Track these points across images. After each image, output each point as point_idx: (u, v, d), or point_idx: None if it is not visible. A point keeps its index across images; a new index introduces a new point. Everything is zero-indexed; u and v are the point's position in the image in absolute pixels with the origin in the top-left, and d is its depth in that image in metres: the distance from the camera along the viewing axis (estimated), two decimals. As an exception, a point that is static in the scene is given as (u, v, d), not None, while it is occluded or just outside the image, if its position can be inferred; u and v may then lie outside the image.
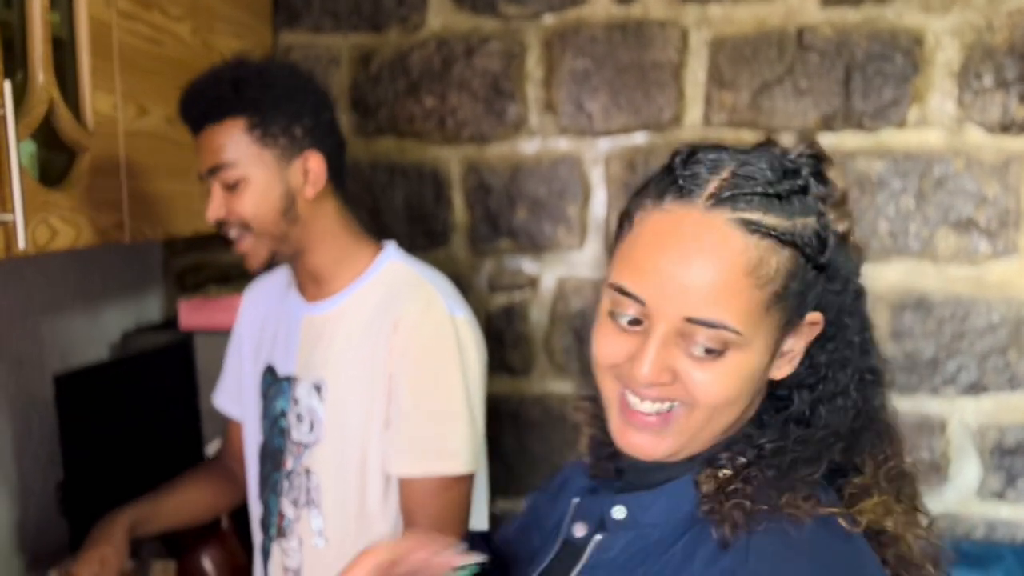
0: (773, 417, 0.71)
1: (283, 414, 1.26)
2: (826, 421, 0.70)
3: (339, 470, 1.22)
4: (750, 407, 0.71)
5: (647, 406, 0.69)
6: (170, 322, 1.93)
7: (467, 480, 1.20)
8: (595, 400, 0.78)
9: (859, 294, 0.73)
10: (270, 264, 1.23)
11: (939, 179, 1.82)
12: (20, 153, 1.02)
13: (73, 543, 1.38)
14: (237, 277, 1.90)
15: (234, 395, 1.41)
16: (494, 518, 1.43)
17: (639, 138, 1.90)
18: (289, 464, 1.26)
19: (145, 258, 2.02)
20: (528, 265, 1.97)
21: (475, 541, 0.85)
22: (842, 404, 0.71)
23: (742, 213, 0.65)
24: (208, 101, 1.16)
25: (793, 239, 0.66)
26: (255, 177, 1.16)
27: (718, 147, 0.69)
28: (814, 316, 0.69)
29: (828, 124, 1.84)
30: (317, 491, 1.23)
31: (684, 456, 0.71)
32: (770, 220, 0.65)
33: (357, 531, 1.22)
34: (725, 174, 0.66)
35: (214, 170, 1.17)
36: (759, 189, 0.65)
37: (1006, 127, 1.79)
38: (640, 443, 0.70)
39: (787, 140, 1.85)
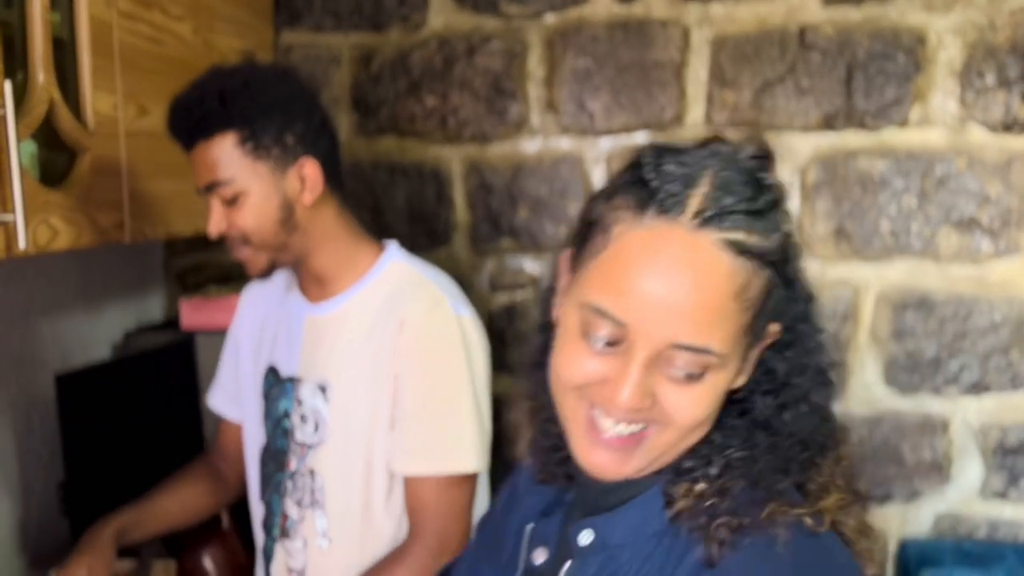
0: (734, 420, 0.70)
1: (286, 415, 1.26)
2: (791, 428, 0.70)
3: (343, 471, 1.22)
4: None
5: (620, 428, 0.66)
6: (171, 322, 1.93)
7: (473, 479, 1.20)
8: (538, 401, 0.76)
9: (810, 298, 0.73)
10: (270, 271, 1.23)
11: (941, 178, 1.82)
12: (21, 153, 1.02)
13: (74, 543, 1.38)
14: (238, 277, 1.90)
15: (231, 396, 1.41)
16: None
17: (641, 137, 1.89)
18: (293, 465, 1.25)
19: (146, 258, 2.02)
20: (529, 264, 1.97)
21: None
22: (805, 410, 0.71)
23: (729, 234, 0.63)
24: (196, 118, 1.15)
25: (773, 259, 0.65)
26: (252, 190, 1.16)
27: (678, 149, 0.67)
28: (775, 327, 0.69)
29: (830, 123, 1.84)
30: (321, 492, 1.23)
31: (648, 472, 0.70)
32: (755, 241, 0.63)
33: (361, 532, 1.22)
34: (704, 188, 0.63)
35: (211, 187, 1.17)
36: (742, 207, 0.63)
37: (1008, 126, 1.79)
38: (606, 463, 0.68)
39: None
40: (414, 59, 1.95)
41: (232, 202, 1.16)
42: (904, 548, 1.87)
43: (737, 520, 0.66)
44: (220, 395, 1.43)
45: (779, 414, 0.70)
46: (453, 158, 1.96)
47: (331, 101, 1.97)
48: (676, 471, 0.70)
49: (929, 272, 1.84)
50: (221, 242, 1.22)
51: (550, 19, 1.90)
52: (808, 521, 0.67)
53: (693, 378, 0.65)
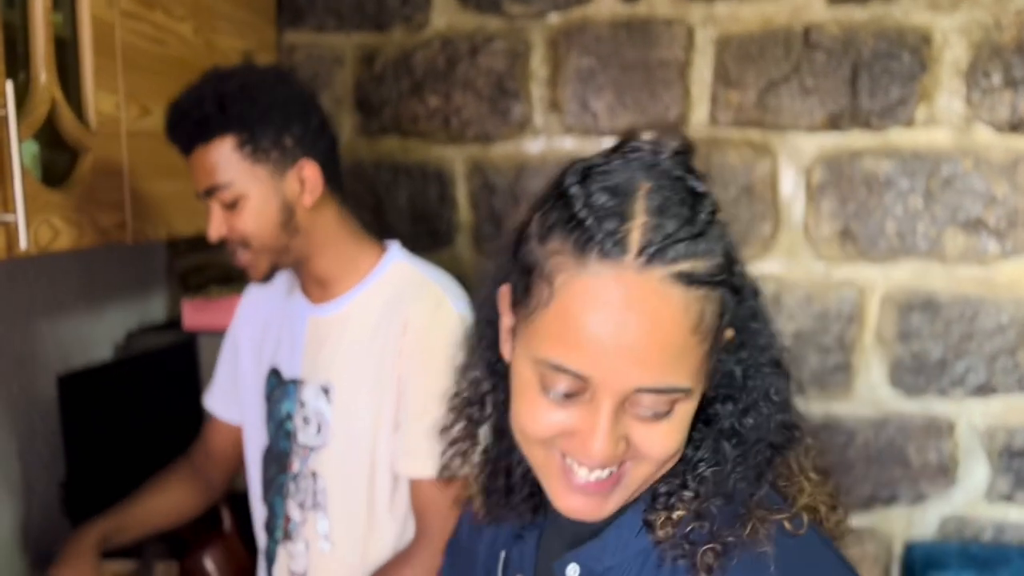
0: (701, 431, 0.69)
1: (289, 417, 1.26)
2: (757, 433, 0.70)
3: (346, 473, 1.21)
4: None
5: (596, 473, 0.65)
6: (174, 322, 1.93)
7: None
8: (473, 442, 0.76)
9: (756, 294, 0.71)
10: (271, 274, 1.22)
11: (947, 179, 1.81)
12: (22, 153, 1.01)
13: (76, 544, 1.38)
14: (240, 278, 1.89)
15: (229, 398, 1.40)
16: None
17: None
18: (295, 467, 1.25)
19: (148, 258, 2.02)
20: (533, 265, 1.96)
21: None
22: (766, 411, 0.70)
23: (676, 266, 0.60)
24: (194, 122, 1.14)
25: (722, 276, 0.63)
26: (252, 194, 1.15)
27: (602, 169, 0.64)
28: (729, 333, 0.68)
29: (835, 123, 1.83)
30: (324, 494, 1.22)
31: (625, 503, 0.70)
32: (702, 266, 0.61)
33: (364, 534, 1.22)
34: (641, 218, 0.61)
35: (210, 191, 1.16)
36: (684, 234, 0.61)
37: (1015, 126, 1.78)
38: (584, 508, 0.67)
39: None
40: (417, 59, 1.94)
41: (232, 206, 1.16)
42: (909, 551, 1.86)
43: (721, 543, 0.65)
44: (217, 396, 1.43)
45: (742, 419, 0.70)
46: (456, 158, 1.96)
47: (334, 101, 1.97)
48: (653, 495, 0.69)
49: (935, 273, 1.83)
50: (222, 245, 1.22)
51: (553, 19, 1.89)
52: (788, 526, 0.67)
53: (661, 415, 0.63)
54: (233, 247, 1.20)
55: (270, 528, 1.30)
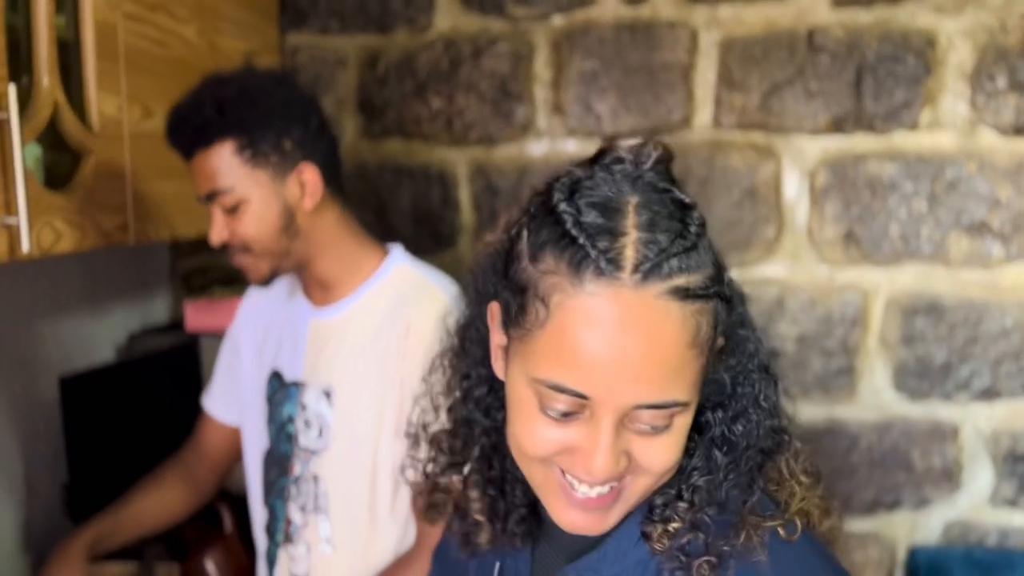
0: (693, 439, 0.69)
1: (290, 420, 1.26)
2: (747, 440, 0.70)
3: (348, 476, 1.21)
4: None
5: (597, 489, 0.65)
6: (176, 324, 1.93)
7: None
8: (459, 467, 0.76)
9: (743, 300, 0.72)
10: (272, 278, 1.22)
11: (951, 182, 1.81)
12: (25, 156, 1.01)
13: (78, 546, 1.37)
14: (243, 279, 1.89)
15: (229, 400, 1.40)
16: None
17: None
18: (297, 470, 1.25)
19: (151, 260, 2.02)
20: (535, 268, 1.96)
21: None
22: (756, 417, 0.70)
23: (671, 281, 0.60)
24: (194, 127, 1.15)
25: (715, 289, 0.63)
26: (252, 198, 1.16)
27: (587, 185, 0.63)
28: (720, 341, 0.68)
29: (839, 126, 1.82)
30: (325, 497, 1.22)
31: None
32: (696, 279, 0.61)
33: (365, 537, 1.21)
34: (634, 234, 0.60)
35: (211, 196, 1.17)
36: (676, 248, 0.61)
37: (1019, 129, 1.77)
38: (585, 523, 0.67)
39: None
40: (420, 61, 1.94)
41: (233, 211, 1.16)
42: (913, 556, 1.85)
43: (716, 554, 0.66)
44: (216, 397, 1.43)
45: (732, 426, 0.70)
46: (459, 160, 1.96)
47: (337, 103, 1.97)
48: (649, 506, 0.70)
49: (939, 277, 1.82)
50: (223, 249, 1.22)
51: (557, 21, 1.89)
52: (782, 533, 0.67)
53: (660, 429, 0.64)
54: (234, 251, 1.20)
55: (270, 531, 1.29)
